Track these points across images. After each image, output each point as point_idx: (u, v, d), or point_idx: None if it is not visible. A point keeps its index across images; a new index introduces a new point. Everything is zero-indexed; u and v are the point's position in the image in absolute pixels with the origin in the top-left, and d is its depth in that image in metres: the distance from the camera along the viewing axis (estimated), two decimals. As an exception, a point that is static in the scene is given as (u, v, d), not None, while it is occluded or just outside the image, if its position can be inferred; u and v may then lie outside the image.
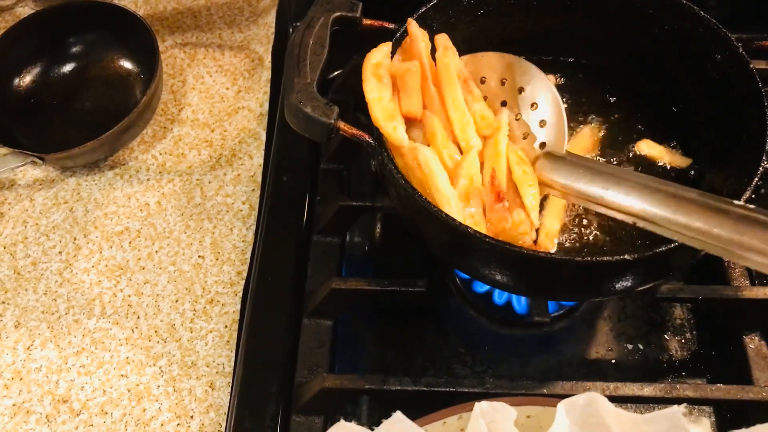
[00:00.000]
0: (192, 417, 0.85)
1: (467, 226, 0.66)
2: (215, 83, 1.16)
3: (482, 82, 0.84)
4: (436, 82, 0.79)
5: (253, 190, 1.04)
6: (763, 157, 0.69)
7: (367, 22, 0.81)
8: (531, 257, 0.65)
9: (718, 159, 0.80)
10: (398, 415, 0.59)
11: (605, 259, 0.63)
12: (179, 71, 1.17)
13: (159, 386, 0.87)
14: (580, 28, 0.89)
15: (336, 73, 1.08)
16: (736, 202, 0.61)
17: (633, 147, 0.86)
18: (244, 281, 0.94)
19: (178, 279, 0.95)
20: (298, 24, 0.81)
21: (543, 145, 0.80)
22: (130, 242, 0.99)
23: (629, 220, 0.66)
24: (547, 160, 0.75)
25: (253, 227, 1.00)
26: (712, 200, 0.61)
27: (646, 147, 0.86)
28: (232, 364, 0.88)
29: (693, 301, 0.83)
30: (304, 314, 0.86)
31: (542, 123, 0.81)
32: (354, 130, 0.72)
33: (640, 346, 0.89)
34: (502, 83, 0.83)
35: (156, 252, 0.98)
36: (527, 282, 0.71)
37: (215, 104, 1.13)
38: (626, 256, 0.63)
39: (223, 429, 0.83)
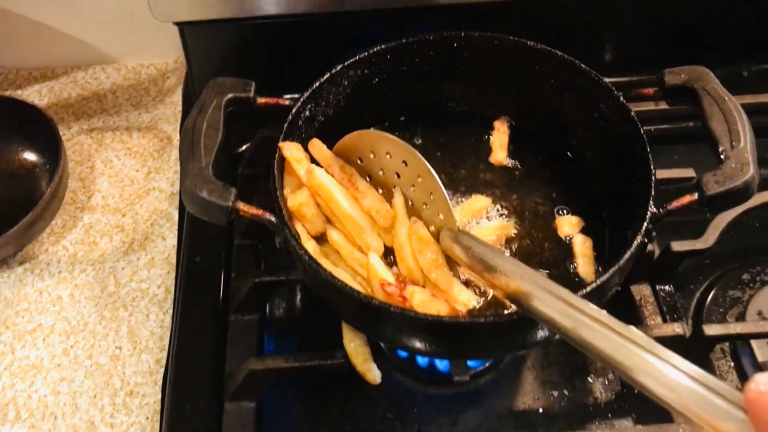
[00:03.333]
0: None
1: (372, 297, 0.66)
2: (124, 166, 1.15)
3: (373, 155, 0.84)
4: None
5: (168, 272, 1.02)
6: (650, 202, 0.71)
7: (261, 100, 0.82)
8: (438, 323, 0.65)
9: (617, 203, 0.83)
10: None
11: (508, 318, 0.64)
12: (87, 157, 1.16)
13: (80, 489, 0.84)
14: (477, 89, 0.93)
15: (245, 146, 1.08)
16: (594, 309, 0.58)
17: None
18: (163, 369, 0.92)
19: (96, 373, 0.92)
20: (209, 83, 0.81)
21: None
22: (43, 339, 0.96)
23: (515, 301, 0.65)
24: (448, 231, 0.76)
25: (171, 311, 0.98)
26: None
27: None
28: (156, 457, 0.85)
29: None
30: (225, 398, 0.84)
31: (431, 194, 0.80)
32: (254, 210, 0.72)
33: (566, 392, 0.90)
34: (388, 155, 0.83)
35: (71, 347, 0.95)
36: (441, 346, 0.71)
37: (125, 188, 1.12)
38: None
39: None
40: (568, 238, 0.87)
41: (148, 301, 0.99)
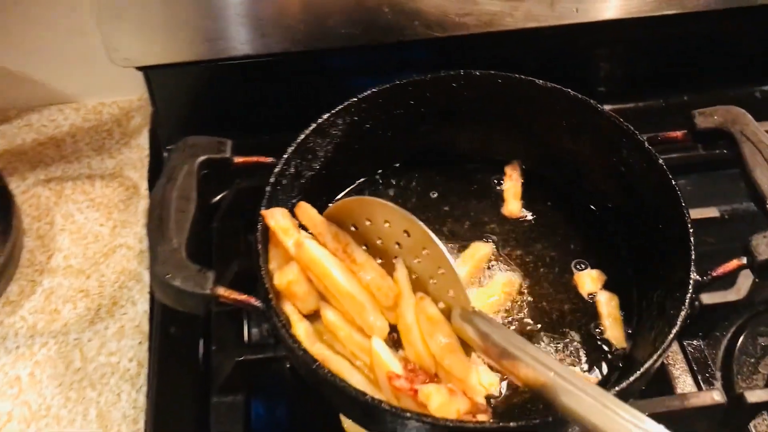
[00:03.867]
0: None
1: (382, 401, 0.56)
2: (87, 220, 1.04)
3: (369, 222, 0.73)
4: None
5: (140, 342, 0.91)
6: (692, 268, 0.62)
7: (239, 160, 0.72)
8: (461, 429, 0.56)
9: (643, 260, 0.74)
10: None
11: (542, 421, 0.55)
12: (45, 212, 1.04)
13: None
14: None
15: (220, 196, 0.98)
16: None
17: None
18: (139, 459, 0.82)
19: (61, 468, 0.82)
20: (173, 147, 0.71)
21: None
22: (0, 429, 0.85)
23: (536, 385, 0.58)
24: (461, 311, 0.67)
25: (144, 388, 0.87)
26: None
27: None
28: None
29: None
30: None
31: (439, 268, 0.70)
32: (237, 296, 0.62)
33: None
34: (387, 223, 0.72)
35: (33, 436, 0.84)
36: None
37: (89, 245, 1.01)
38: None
39: None
40: (591, 297, 0.78)
41: (118, 377, 0.89)
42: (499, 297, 0.77)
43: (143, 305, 0.95)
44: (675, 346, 0.84)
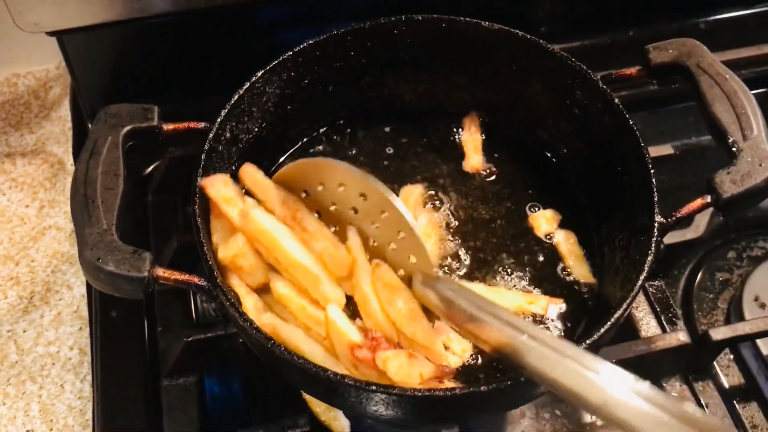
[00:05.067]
0: None
1: (345, 376, 0.53)
2: (11, 202, 0.96)
3: (322, 187, 0.69)
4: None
5: (81, 329, 0.86)
6: (656, 210, 0.60)
7: (169, 127, 0.66)
8: (431, 398, 0.53)
9: (603, 204, 0.71)
10: None
11: (513, 381, 0.52)
12: (-38, 195, 0.97)
13: None
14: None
15: (152, 167, 0.92)
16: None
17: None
18: (90, 454, 0.77)
19: (5, 470, 0.76)
20: (99, 115, 0.65)
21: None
22: (-66, 433, 0.79)
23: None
24: (422, 276, 0.63)
25: (89, 377, 0.82)
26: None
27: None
28: None
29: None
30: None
31: (399, 232, 0.66)
32: (178, 276, 0.58)
33: (557, 412, 0.79)
34: (341, 187, 0.68)
35: (-30, 439, 0.78)
36: (432, 418, 0.60)
37: (15, 229, 0.94)
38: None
39: None
40: (549, 237, 0.75)
41: (60, 368, 0.83)
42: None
43: (80, 289, 0.89)
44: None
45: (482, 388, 0.53)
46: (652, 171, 0.62)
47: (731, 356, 0.82)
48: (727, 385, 0.78)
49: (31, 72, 1.10)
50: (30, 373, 0.83)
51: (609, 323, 0.56)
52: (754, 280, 0.85)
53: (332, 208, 0.68)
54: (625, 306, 0.56)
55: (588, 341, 0.55)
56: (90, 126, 0.96)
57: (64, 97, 1.06)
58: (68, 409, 0.81)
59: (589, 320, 0.68)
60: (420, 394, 0.53)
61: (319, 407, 0.73)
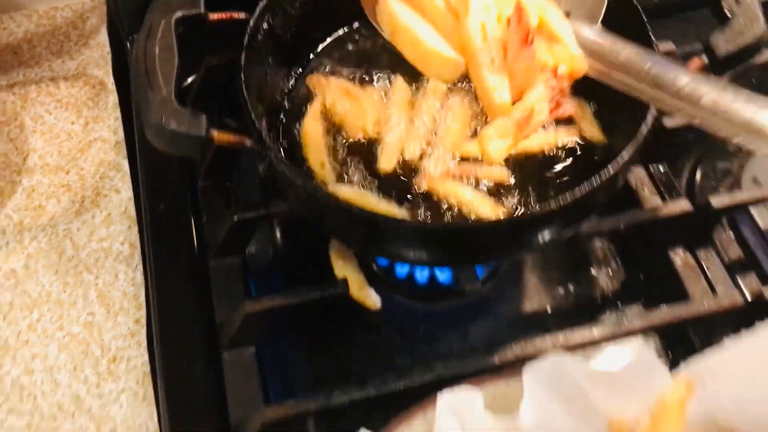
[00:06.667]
0: (124, 492, 0.75)
1: (384, 215, 0.60)
2: (58, 120, 1.04)
3: None
4: None
5: (130, 227, 0.93)
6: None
7: (214, 16, 0.73)
8: (456, 229, 0.60)
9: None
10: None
11: (530, 215, 0.59)
12: (13, 116, 1.04)
13: (78, 469, 0.77)
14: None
15: (190, 80, 0.98)
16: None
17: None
18: (145, 329, 0.84)
19: (71, 344, 0.84)
20: (135, 36, 0.71)
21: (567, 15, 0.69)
22: (3, 317, 0.87)
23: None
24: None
25: (140, 267, 0.90)
26: None
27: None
28: (156, 421, 0.79)
29: (616, 231, 0.81)
30: (222, 348, 0.77)
31: None
32: (231, 137, 0.64)
33: (571, 288, 0.86)
34: None
35: (37, 321, 0.86)
36: (454, 253, 0.66)
37: (63, 143, 1.02)
38: (552, 206, 0.60)
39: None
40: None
41: (113, 260, 0.91)
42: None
43: (127, 192, 0.96)
44: (642, 172, 0.89)
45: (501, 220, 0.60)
46: (648, 28, 0.68)
47: (731, 233, 0.88)
48: (727, 258, 0.85)
49: (68, 5, 1.17)
50: (86, 265, 0.91)
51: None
52: (753, 163, 0.92)
53: None
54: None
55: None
56: (129, 46, 1.04)
57: (101, 26, 1.14)
58: (123, 294, 0.88)
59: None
60: (443, 227, 0.60)
61: (352, 286, 0.80)
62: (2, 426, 0.79)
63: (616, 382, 0.55)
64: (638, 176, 0.88)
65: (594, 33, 0.66)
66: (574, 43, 0.64)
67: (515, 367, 0.59)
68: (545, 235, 0.66)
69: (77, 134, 1.02)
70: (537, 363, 0.56)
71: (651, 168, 0.89)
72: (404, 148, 0.74)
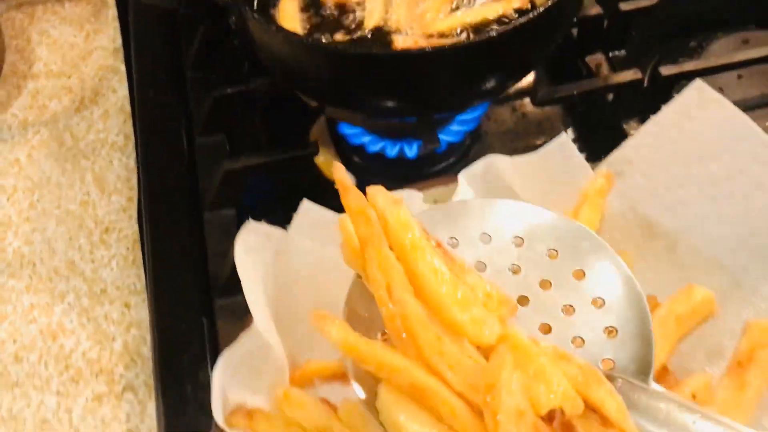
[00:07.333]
0: (113, 339, 0.81)
1: (343, 47, 0.66)
2: (62, 34, 1.11)
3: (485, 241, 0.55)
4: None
5: (125, 121, 1.00)
6: None
7: None
8: (407, 55, 0.66)
9: None
10: (305, 204, 0.59)
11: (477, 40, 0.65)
12: (21, 31, 1.12)
13: (71, 320, 0.83)
14: None
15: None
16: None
17: None
18: (136, 204, 0.91)
19: (68, 219, 0.91)
20: None
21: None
22: (7, 198, 0.94)
23: None
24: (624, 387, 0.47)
25: (134, 155, 0.96)
26: None
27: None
28: (143, 281, 0.85)
29: (569, 98, 0.86)
30: (204, 208, 0.84)
31: (610, 331, 0.49)
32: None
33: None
34: (551, 254, 0.53)
35: (38, 201, 0.93)
36: (408, 94, 0.72)
37: (66, 53, 1.09)
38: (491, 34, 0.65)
39: (148, 341, 0.80)
40: None
41: (108, 148, 0.98)
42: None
43: (123, 91, 1.03)
44: (601, 58, 0.93)
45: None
46: None
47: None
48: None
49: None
50: (84, 154, 0.97)
51: None
52: (710, 51, 0.97)
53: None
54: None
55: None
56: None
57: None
58: (117, 177, 0.95)
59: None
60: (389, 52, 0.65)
61: (327, 169, 0.86)
62: (3, 288, 0.86)
63: (540, 175, 0.60)
64: (598, 62, 0.93)
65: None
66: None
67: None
68: (494, 73, 0.71)
69: (79, 45, 1.09)
70: (471, 167, 0.61)
71: (611, 55, 0.94)
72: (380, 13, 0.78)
